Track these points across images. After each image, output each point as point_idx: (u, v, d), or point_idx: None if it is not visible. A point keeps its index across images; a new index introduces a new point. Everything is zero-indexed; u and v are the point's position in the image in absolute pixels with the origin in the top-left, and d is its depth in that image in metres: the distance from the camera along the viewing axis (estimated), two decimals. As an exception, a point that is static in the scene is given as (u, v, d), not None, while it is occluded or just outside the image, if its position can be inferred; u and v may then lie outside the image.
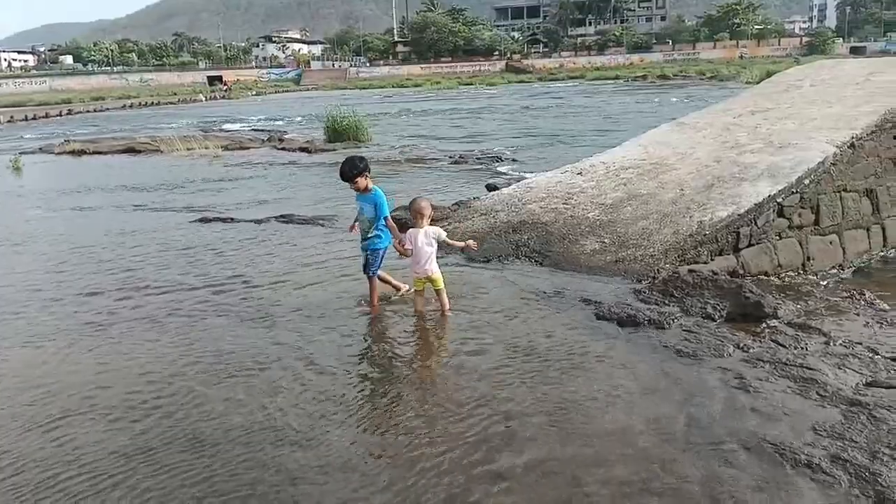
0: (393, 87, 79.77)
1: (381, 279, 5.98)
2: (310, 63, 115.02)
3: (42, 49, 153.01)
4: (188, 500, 3.31)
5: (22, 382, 4.68)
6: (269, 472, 3.49)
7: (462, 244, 5.79)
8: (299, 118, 35.51)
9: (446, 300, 5.62)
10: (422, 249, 5.49)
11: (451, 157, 16.53)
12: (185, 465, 3.59)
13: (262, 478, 3.45)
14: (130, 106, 56.31)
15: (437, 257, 5.70)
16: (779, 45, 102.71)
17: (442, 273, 5.67)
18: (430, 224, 5.70)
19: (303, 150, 19.36)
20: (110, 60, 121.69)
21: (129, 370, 4.79)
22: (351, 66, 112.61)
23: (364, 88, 78.71)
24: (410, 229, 5.58)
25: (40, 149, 22.74)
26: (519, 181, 10.56)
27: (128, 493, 3.38)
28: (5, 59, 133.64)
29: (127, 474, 3.52)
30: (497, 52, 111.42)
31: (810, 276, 7.22)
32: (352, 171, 5.68)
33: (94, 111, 51.20)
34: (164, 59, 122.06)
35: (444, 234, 5.68)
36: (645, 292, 5.90)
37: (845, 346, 4.88)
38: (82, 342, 5.35)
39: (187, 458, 3.66)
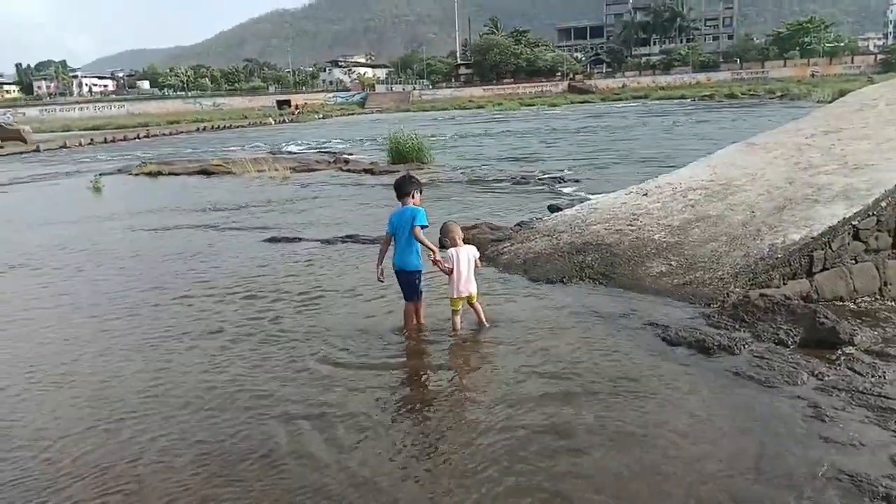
0: (455, 108, 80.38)
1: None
2: (374, 86, 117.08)
3: (121, 74, 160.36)
4: None
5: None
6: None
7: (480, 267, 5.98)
8: (364, 140, 36.15)
9: (482, 312, 5.82)
10: (465, 269, 5.64)
11: (512, 178, 16.56)
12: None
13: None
14: (204, 129, 58.38)
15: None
16: (852, 62, 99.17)
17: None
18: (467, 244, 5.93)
19: (367, 171, 19.70)
20: (185, 85, 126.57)
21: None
22: (414, 88, 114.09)
23: (427, 111, 79.58)
24: (451, 248, 5.70)
25: (119, 170, 23.82)
26: (582, 202, 10.52)
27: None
28: (86, 84, 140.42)
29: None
30: (559, 73, 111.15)
31: (888, 302, 6.93)
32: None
33: (170, 134, 53.29)
34: (236, 84, 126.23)
35: (477, 254, 5.87)
36: (714, 317, 5.79)
37: (927, 376, 4.68)
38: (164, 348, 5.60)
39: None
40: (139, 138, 48.86)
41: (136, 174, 22.06)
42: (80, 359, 5.66)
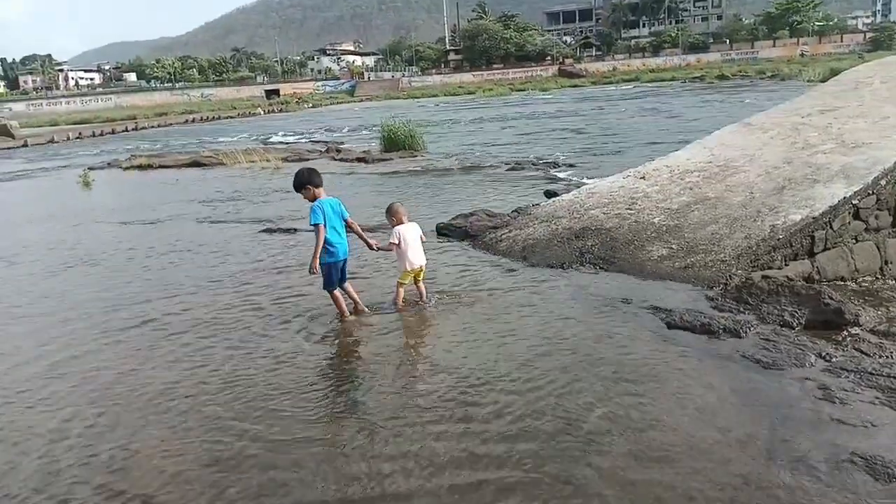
0: (446, 95, 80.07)
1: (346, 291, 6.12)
2: (363, 74, 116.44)
3: (107, 67, 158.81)
4: None
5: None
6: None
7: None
8: (355, 128, 35.94)
9: (425, 290, 6.19)
10: (413, 242, 5.99)
11: (507, 164, 16.45)
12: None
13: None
14: (192, 121, 58.01)
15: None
16: (841, 41, 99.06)
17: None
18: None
19: (360, 160, 19.55)
20: (172, 77, 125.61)
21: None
22: (403, 75, 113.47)
23: (417, 98, 79.16)
24: (399, 226, 6.02)
25: (108, 164, 23.56)
26: (579, 187, 10.44)
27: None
28: (72, 78, 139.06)
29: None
30: (549, 57, 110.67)
31: (889, 281, 6.92)
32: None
33: (158, 126, 52.89)
34: (224, 74, 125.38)
35: (421, 231, 6.19)
36: (717, 299, 5.74)
37: (934, 355, 4.65)
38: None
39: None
40: (128, 131, 48.43)
41: (126, 167, 21.82)
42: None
